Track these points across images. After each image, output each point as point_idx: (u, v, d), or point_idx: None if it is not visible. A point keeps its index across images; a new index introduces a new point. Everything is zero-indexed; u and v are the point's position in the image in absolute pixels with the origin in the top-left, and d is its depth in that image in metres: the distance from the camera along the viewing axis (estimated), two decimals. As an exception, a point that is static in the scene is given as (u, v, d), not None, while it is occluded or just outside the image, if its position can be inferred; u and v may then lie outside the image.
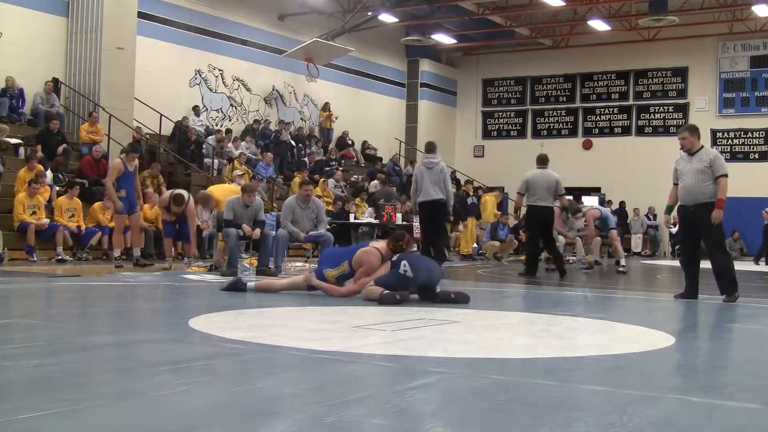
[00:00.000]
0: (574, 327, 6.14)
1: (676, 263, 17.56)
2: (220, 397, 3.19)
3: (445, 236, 13.57)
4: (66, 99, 16.27)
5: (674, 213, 8.43)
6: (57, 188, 13.46)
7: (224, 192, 12.29)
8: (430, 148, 11.90)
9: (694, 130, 8.11)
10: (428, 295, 7.21)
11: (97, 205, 13.18)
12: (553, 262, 12.04)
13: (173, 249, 11.75)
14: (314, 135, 22.19)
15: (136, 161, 11.52)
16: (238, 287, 7.71)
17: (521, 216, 13.91)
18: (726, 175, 7.83)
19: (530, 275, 11.46)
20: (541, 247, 11.92)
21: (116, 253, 11.34)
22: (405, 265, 7.07)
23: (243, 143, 19.03)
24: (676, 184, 8.13)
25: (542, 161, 11.74)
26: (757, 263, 18.91)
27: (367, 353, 4.32)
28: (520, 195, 11.69)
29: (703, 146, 8.07)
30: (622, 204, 23.57)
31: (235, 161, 17.42)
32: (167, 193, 11.64)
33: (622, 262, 13.71)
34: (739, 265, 17.90)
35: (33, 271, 10.10)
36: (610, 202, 23.18)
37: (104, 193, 13.28)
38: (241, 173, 16.36)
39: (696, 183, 7.84)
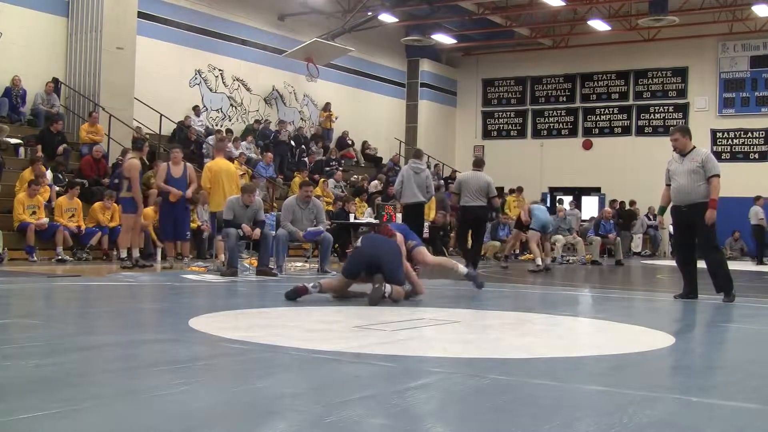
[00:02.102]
0: (574, 327, 6.14)
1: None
2: (220, 397, 3.19)
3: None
4: (66, 99, 16.27)
5: (668, 213, 8.44)
6: (57, 188, 13.45)
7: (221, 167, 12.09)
8: (418, 154, 12.78)
9: (686, 131, 8.14)
10: (374, 271, 7.04)
11: (97, 205, 13.17)
12: (470, 257, 12.30)
13: (173, 249, 11.77)
14: (319, 135, 22.17)
15: (145, 159, 11.59)
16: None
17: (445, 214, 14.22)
18: (718, 175, 7.84)
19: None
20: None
21: (123, 253, 11.32)
22: (359, 242, 7.21)
23: (243, 143, 19.03)
24: (668, 185, 8.15)
25: (477, 164, 12.37)
26: (762, 263, 18.84)
27: (367, 353, 4.32)
28: (455, 195, 12.23)
29: (695, 147, 8.08)
30: (621, 204, 23.54)
31: (235, 161, 17.41)
32: (164, 164, 11.66)
33: (538, 261, 13.86)
34: (741, 265, 17.93)
35: (33, 271, 10.10)
36: (615, 202, 23.11)
37: (104, 193, 13.33)
38: (241, 173, 16.35)
39: (688, 183, 7.86)
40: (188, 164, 11.92)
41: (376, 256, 7.10)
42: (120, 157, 14.93)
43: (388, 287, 6.86)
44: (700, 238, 7.95)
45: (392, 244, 7.34)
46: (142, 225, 12.04)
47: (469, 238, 12.30)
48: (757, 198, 19.40)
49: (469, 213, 11.93)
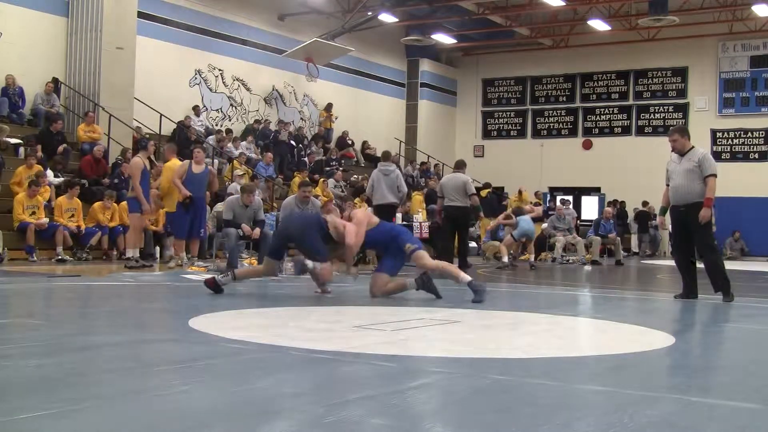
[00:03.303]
0: (574, 327, 6.14)
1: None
2: (220, 397, 3.19)
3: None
4: (66, 99, 16.27)
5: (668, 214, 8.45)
6: (54, 183, 13.43)
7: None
8: (386, 156, 13.48)
9: (684, 132, 8.16)
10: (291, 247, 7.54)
11: (97, 205, 13.16)
12: (459, 258, 12.84)
13: (181, 248, 11.75)
14: (320, 135, 22.16)
15: (153, 157, 11.56)
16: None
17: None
18: (715, 175, 7.84)
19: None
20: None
21: (129, 253, 11.27)
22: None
23: (243, 143, 19.03)
24: (668, 185, 8.16)
25: (457, 165, 12.94)
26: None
27: (367, 353, 4.32)
28: (440, 198, 12.56)
29: (693, 147, 8.09)
30: (622, 204, 23.55)
31: (235, 161, 17.43)
32: (186, 162, 11.63)
33: (504, 258, 14.47)
34: (739, 265, 17.88)
35: (33, 271, 10.10)
36: (622, 202, 23.13)
37: (104, 193, 13.32)
38: (241, 173, 16.36)
39: (686, 183, 7.87)
40: (210, 166, 11.93)
41: (287, 235, 7.39)
42: (120, 157, 14.95)
43: (309, 263, 7.07)
44: (697, 238, 7.97)
45: (306, 218, 7.58)
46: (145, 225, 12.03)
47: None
48: None
49: (449, 213, 12.35)
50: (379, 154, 24.09)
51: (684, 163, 7.93)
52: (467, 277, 7.34)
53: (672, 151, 8.18)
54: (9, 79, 14.95)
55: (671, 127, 8.82)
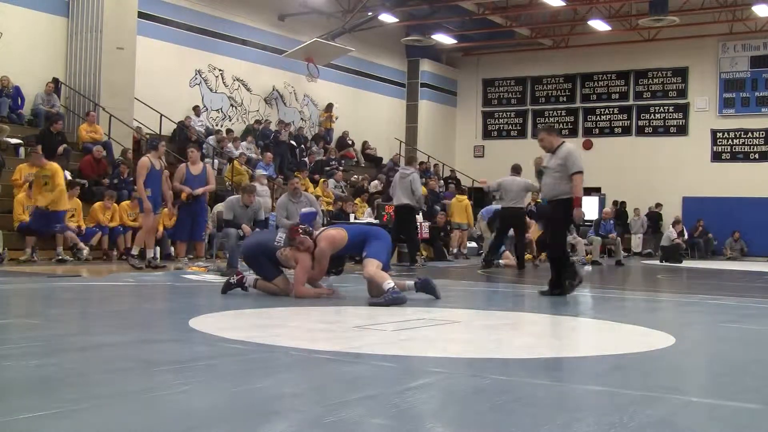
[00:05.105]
0: (574, 327, 6.14)
1: (677, 264, 17.53)
2: (220, 397, 3.19)
3: (417, 240, 14.58)
4: (66, 99, 16.27)
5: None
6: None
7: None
8: (409, 161, 14.31)
9: (551, 130, 8.28)
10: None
11: (97, 205, 13.16)
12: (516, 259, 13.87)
13: (184, 250, 11.74)
14: (320, 135, 22.16)
15: (163, 159, 11.51)
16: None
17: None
18: (581, 172, 7.77)
19: (488, 268, 13.42)
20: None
21: (135, 251, 11.25)
22: None
23: (243, 143, 19.03)
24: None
25: (515, 169, 13.96)
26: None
27: (367, 353, 4.32)
28: (496, 200, 13.65)
29: (563, 143, 8.10)
30: (622, 204, 23.56)
31: (235, 161, 17.43)
32: (182, 165, 11.59)
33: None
34: (739, 265, 17.87)
35: (33, 271, 10.10)
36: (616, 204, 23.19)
37: (104, 193, 13.32)
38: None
39: (552, 180, 7.93)
40: (207, 164, 11.92)
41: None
42: (120, 158, 14.94)
43: (250, 278, 7.62)
44: (546, 231, 8.05)
45: (254, 240, 8.09)
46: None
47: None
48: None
49: (507, 214, 13.36)
50: (379, 155, 24.18)
51: (552, 160, 7.97)
52: (390, 284, 6.75)
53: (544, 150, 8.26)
54: (4, 81, 14.90)
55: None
